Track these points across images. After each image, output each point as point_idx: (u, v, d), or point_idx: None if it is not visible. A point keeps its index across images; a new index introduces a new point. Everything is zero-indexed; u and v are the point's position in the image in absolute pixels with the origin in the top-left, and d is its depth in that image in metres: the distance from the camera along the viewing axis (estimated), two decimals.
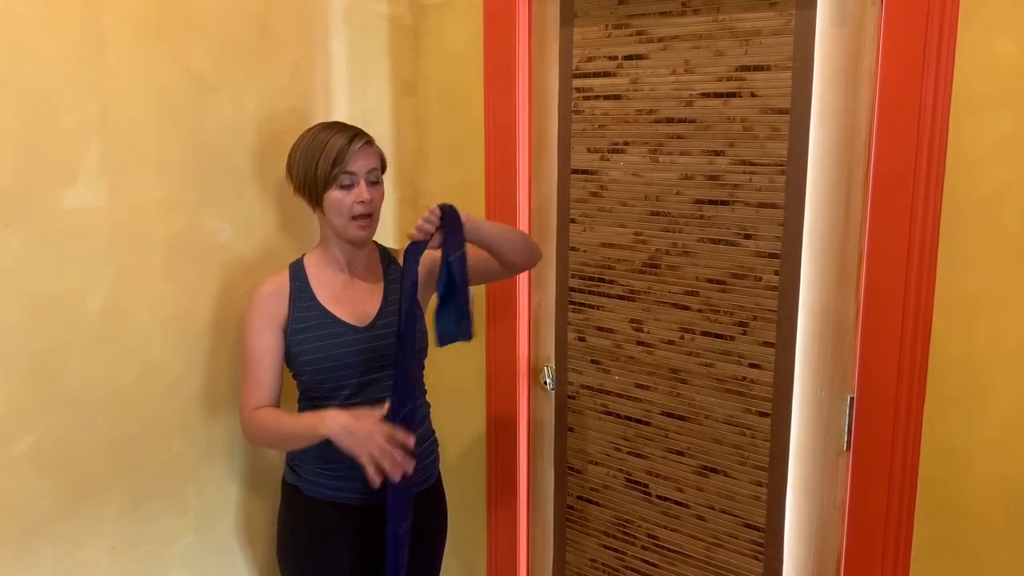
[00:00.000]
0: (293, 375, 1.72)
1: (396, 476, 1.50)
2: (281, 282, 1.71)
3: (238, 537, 2.01)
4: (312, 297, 1.69)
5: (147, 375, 1.78)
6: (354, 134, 1.65)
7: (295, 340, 1.67)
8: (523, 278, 2.01)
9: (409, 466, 1.52)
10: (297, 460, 1.76)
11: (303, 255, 1.77)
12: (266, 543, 2.04)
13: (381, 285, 1.76)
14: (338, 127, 1.67)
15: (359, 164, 1.64)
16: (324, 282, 1.72)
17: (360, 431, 1.50)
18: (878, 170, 1.46)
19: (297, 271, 1.73)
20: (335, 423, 1.52)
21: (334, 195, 1.64)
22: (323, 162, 1.62)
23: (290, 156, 1.70)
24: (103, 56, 1.64)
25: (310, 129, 1.69)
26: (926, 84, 1.40)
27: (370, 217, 1.67)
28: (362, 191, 1.64)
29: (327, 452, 1.71)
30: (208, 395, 1.89)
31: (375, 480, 1.49)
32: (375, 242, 1.83)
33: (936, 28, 1.38)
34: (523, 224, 1.98)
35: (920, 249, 1.43)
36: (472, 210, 2.04)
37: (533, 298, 2.03)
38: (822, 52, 1.54)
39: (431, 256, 1.76)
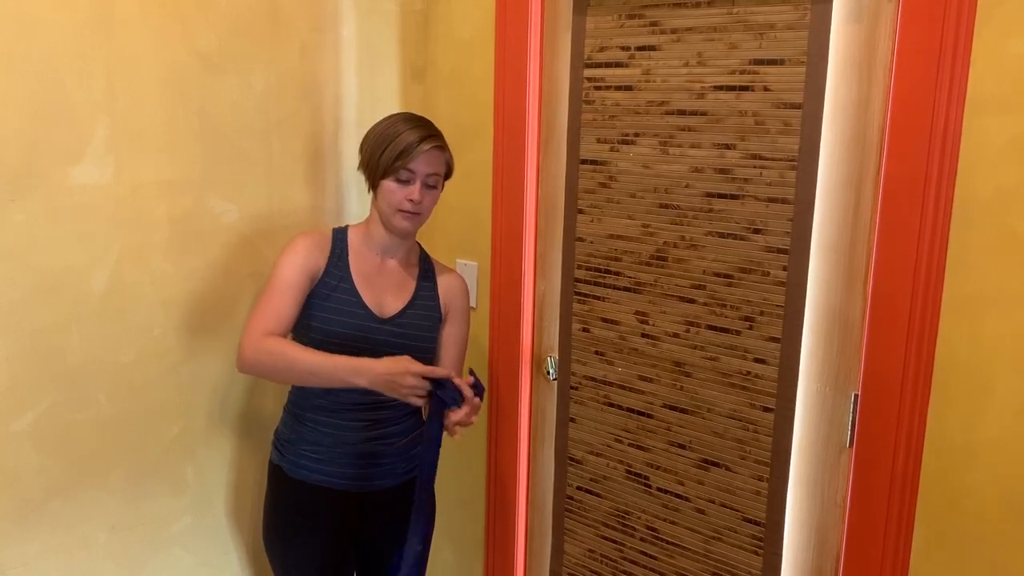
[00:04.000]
0: (297, 338, 1.70)
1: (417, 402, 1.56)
2: (324, 239, 1.73)
3: (236, 518, 2.01)
4: (347, 268, 1.71)
5: (149, 355, 1.77)
6: (427, 135, 1.66)
7: (315, 303, 1.68)
8: (528, 267, 2.00)
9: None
10: (283, 440, 1.76)
11: (346, 226, 1.78)
12: (257, 525, 2.03)
13: (412, 285, 1.77)
14: (416, 123, 1.68)
15: (421, 165, 1.65)
16: (360, 260, 1.73)
17: (398, 377, 1.53)
18: (890, 168, 1.46)
19: (340, 238, 1.74)
20: (378, 374, 1.53)
21: (388, 185, 1.66)
22: (389, 152, 1.64)
23: (367, 134, 1.72)
24: (112, 34, 1.63)
25: (392, 116, 1.72)
26: (941, 82, 1.39)
27: (418, 215, 1.69)
28: (414, 191, 1.65)
29: (313, 434, 1.71)
30: (209, 377, 1.88)
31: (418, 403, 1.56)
32: (419, 244, 1.83)
33: (952, 26, 1.37)
34: (530, 214, 1.97)
35: (930, 248, 1.43)
36: (480, 199, 2.05)
37: (538, 288, 2.02)
38: (836, 47, 1.53)
39: (456, 288, 1.82)
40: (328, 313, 1.66)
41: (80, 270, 1.65)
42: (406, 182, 1.65)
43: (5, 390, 1.58)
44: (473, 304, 2.09)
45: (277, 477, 1.77)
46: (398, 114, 1.73)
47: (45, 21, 1.54)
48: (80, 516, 1.72)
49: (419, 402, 1.55)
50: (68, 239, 1.62)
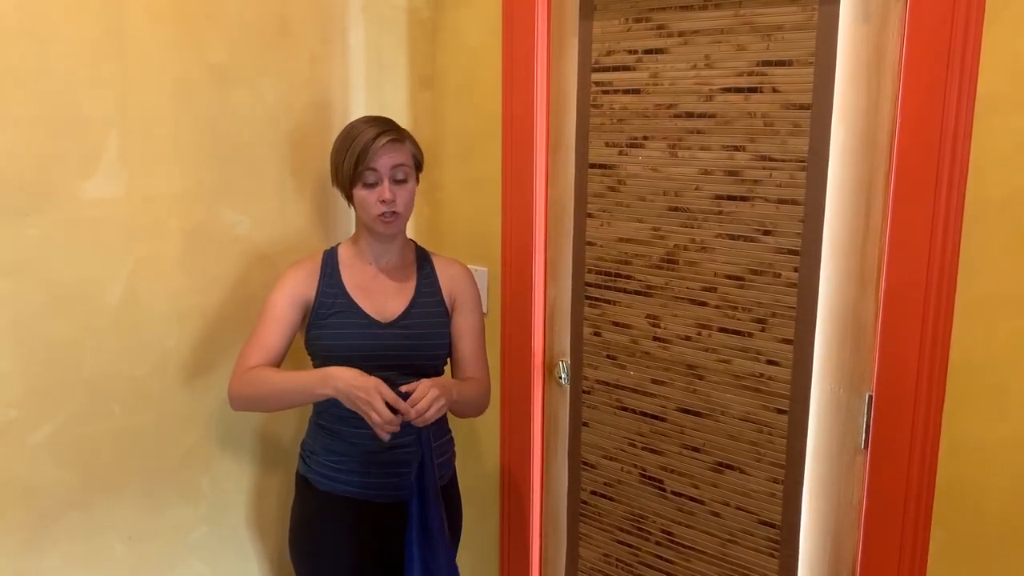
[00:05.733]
0: (311, 360, 1.72)
1: (382, 434, 1.51)
2: (313, 265, 1.73)
3: (251, 528, 2.02)
4: (340, 285, 1.71)
5: (163, 367, 1.78)
6: (382, 131, 1.65)
7: (317, 324, 1.68)
8: (538, 272, 2.00)
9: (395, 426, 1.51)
10: (308, 451, 1.76)
11: (337, 244, 1.79)
12: (278, 535, 2.04)
13: (412, 284, 1.76)
14: (372, 122, 1.68)
15: (382, 162, 1.64)
16: (353, 273, 1.73)
17: (362, 392, 1.50)
18: (900, 168, 1.45)
19: (329, 258, 1.75)
20: (342, 383, 1.52)
21: (360, 193, 1.66)
22: (349, 157, 1.64)
23: (333, 147, 1.72)
24: (123, 48, 1.64)
25: (352, 121, 1.72)
26: (950, 82, 1.38)
27: (396, 214, 1.68)
28: (384, 191, 1.64)
29: (337, 444, 1.71)
30: (224, 388, 1.88)
31: (381, 435, 1.52)
32: (413, 241, 1.83)
33: (961, 26, 1.36)
34: (539, 219, 1.97)
35: (942, 248, 1.42)
36: (489, 204, 2.05)
37: (548, 292, 2.02)
38: (845, 48, 1.52)
39: (459, 277, 1.81)
40: (331, 329, 1.67)
41: (94, 283, 1.66)
42: (374, 184, 1.65)
43: (22, 403, 1.59)
44: (484, 309, 2.09)
45: (303, 488, 1.77)
46: (359, 118, 1.73)
47: (56, 36, 1.55)
48: (97, 527, 1.73)
49: (377, 420, 1.49)
50: (82, 252, 1.64)
